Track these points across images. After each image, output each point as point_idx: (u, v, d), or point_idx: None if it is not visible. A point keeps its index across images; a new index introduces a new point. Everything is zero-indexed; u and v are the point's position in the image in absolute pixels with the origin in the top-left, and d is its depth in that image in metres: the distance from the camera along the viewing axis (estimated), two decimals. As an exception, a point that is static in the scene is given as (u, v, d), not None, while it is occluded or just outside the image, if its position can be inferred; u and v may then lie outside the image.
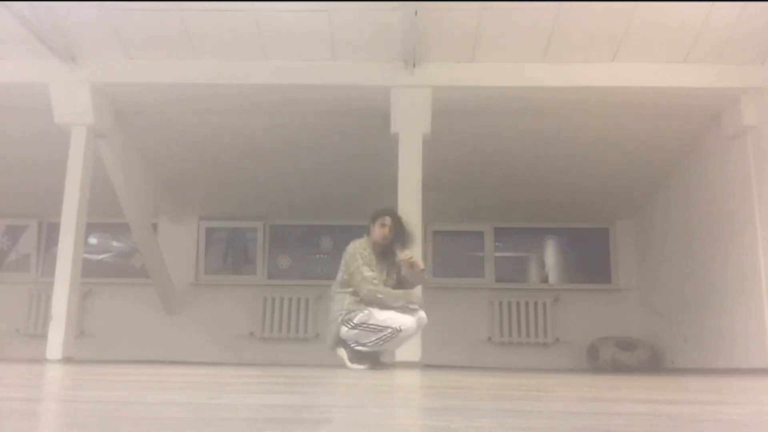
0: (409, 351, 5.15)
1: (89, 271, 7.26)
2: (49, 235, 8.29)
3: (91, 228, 6.91)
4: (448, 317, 7.77)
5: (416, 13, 5.05)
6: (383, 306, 4.41)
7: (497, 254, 8.43)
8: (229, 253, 8.70)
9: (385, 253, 4.66)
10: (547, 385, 2.73)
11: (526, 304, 8.07)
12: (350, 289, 4.49)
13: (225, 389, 2.03)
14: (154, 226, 7.92)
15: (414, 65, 5.71)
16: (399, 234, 4.64)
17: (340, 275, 4.60)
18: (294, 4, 5.29)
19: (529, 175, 7.26)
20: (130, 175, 6.69)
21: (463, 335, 7.96)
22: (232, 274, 8.55)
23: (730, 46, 5.51)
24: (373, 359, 4.50)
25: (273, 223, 8.48)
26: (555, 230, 8.60)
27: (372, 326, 4.39)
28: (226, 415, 1.22)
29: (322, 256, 8.53)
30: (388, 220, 4.63)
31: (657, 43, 5.52)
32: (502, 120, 6.30)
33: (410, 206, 5.50)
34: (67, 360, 5.54)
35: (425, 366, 5.17)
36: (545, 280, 8.68)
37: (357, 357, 4.45)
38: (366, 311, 4.40)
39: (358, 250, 4.55)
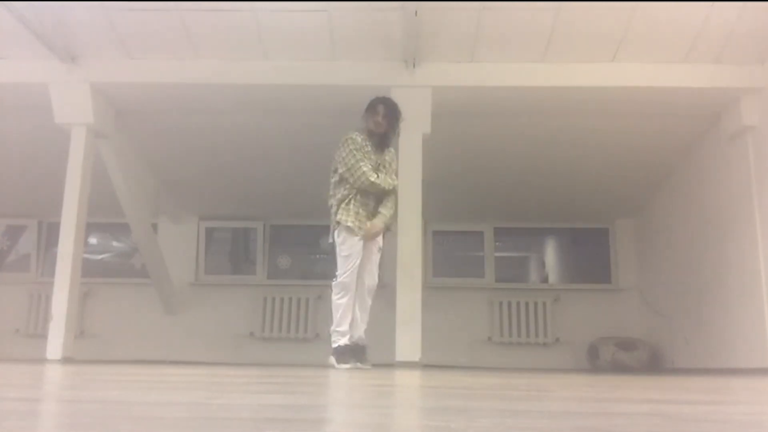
0: (410, 351, 5.15)
1: (89, 271, 7.25)
2: (49, 235, 8.29)
3: (91, 228, 6.91)
4: (448, 317, 7.78)
5: (416, 13, 5.05)
6: (375, 189, 4.65)
7: (497, 254, 8.42)
8: (229, 252, 8.70)
9: (380, 142, 4.81)
10: (547, 385, 2.73)
11: (526, 304, 8.07)
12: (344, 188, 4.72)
13: (225, 389, 2.03)
14: (154, 226, 7.92)
15: (414, 65, 5.71)
16: (392, 121, 4.80)
17: (333, 171, 4.81)
18: (294, 4, 5.29)
19: (529, 175, 7.25)
20: (130, 175, 6.69)
21: (463, 335, 7.96)
22: (232, 274, 8.55)
23: (730, 46, 5.50)
24: (359, 355, 4.50)
25: (273, 223, 8.48)
26: (555, 230, 8.60)
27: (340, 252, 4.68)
28: (226, 415, 1.21)
29: (322, 256, 8.52)
30: (381, 108, 4.79)
31: (657, 43, 5.52)
32: (502, 120, 6.30)
33: (410, 206, 5.50)
34: (67, 360, 5.54)
35: (425, 366, 5.17)
36: (545, 280, 8.68)
37: (342, 355, 4.46)
38: (346, 226, 4.67)
39: (356, 141, 4.71)
